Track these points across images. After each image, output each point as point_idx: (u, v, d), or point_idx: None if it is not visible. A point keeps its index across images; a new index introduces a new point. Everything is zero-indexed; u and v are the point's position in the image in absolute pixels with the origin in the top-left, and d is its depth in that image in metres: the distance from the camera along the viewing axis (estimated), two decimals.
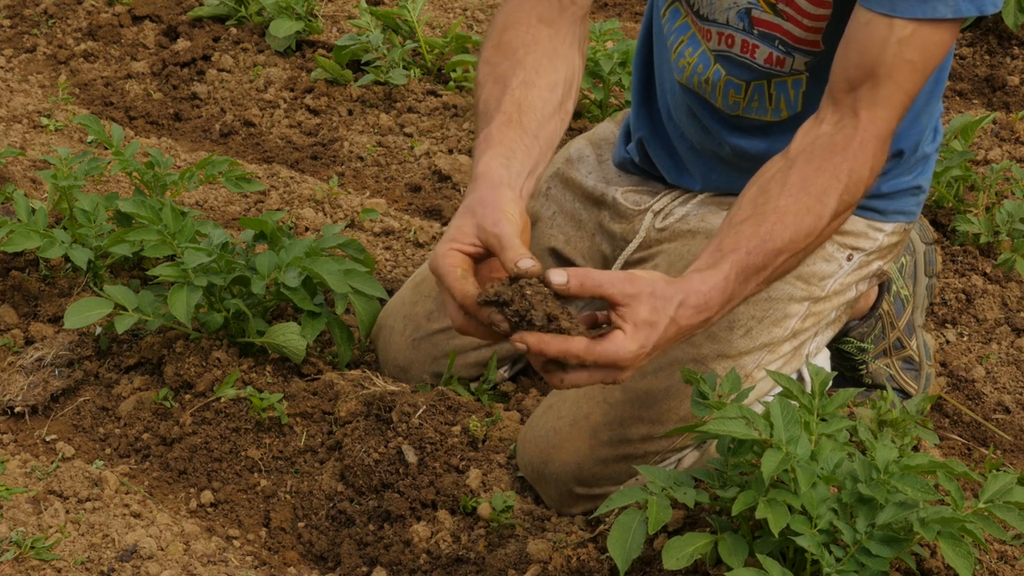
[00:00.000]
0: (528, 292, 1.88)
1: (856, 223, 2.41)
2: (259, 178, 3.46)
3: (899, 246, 2.50)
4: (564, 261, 2.60)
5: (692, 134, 2.46)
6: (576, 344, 1.87)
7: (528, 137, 2.13)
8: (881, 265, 2.48)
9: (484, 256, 1.99)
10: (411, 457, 2.43)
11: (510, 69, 2.19)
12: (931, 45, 2.04)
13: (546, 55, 2.20)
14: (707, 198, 2.48)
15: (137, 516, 2.37)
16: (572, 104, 2.24)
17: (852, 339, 2.65)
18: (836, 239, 2.40)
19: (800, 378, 2.44)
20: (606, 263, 2.57)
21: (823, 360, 2.51)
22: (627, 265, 2.51)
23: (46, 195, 3.21)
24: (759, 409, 2.32)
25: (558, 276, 1.87)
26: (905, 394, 2.72)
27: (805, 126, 2.09)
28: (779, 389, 2.18)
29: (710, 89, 2.35)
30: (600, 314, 1.96)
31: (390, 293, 2.76)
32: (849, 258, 2.41)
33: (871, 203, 2.41)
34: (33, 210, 2.85)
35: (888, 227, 2.44)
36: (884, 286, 2.64)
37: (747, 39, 2.28)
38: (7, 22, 4.31)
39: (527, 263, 1.88)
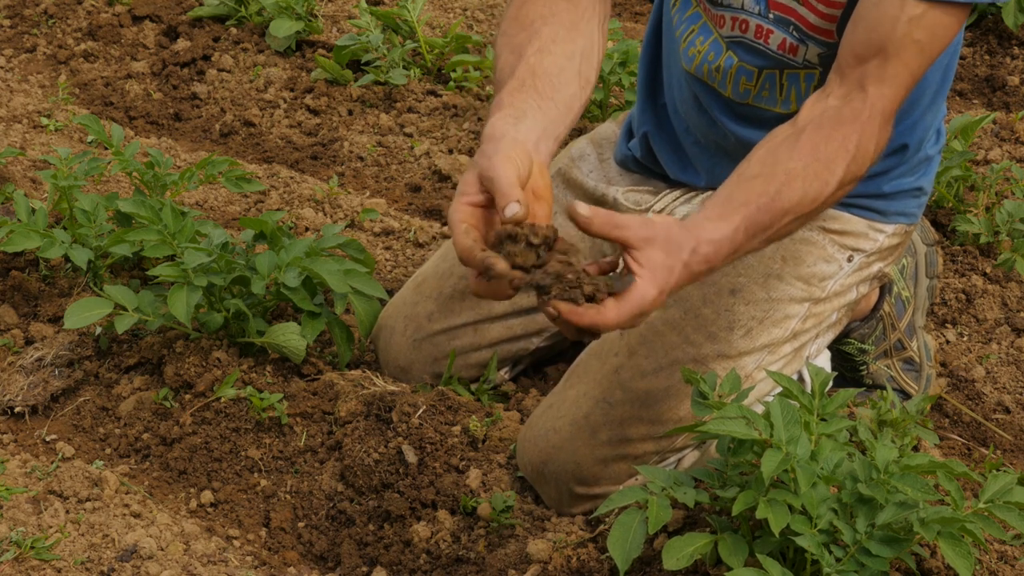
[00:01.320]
0: (526, 240, 1.88)
1: (857, 224, 2.41)
2: (259, 178, 3.46)
3: (900, 248, 2.49)
4: None
5: (698, 127, 2.45)
6: (608, 315, 1.87)
7: (543, 100, 2.12)
8: (882, 267, 2.47)
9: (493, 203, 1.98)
10: (411, 457, 2.43)
11: (526, 39, 2.18)
12: (939, 28, 2.08)
13: (564, 27, 2.20)
14: (709, 197, 2.48)
15: (137, 516, 2.37)
16: (593, 75, 2.22)
17: (853, 340, 2.65)
18: (836, 240, 2.40)
19: (800, 379, 2.44)
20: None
21: (824, 361, 2.51)
22: None
23: (46, 195, 3.21)
24: (759, 410, 2.32)
25: (584, 208, 1.87)
26: (905, 395, 2.72)
27: (811, 99, 2.11)
28: (779, 390, 2.18)
29: (720, 77, 2.35)
30: (604, 262, 1.95)
31: (390, 293, 2.76)
32: (849, 259, 2.41)
33: (872, 203, 2.41)
34: (33, 210, 2.85)
35: (889, 228, 2.44)
36: (885, 287, 2.64)
37: (761, 24, 2.27)
38: (7, 22, 4.31)
39: (511, 209, 1.88)
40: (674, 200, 2.53)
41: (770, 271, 2.36)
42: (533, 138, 2.06)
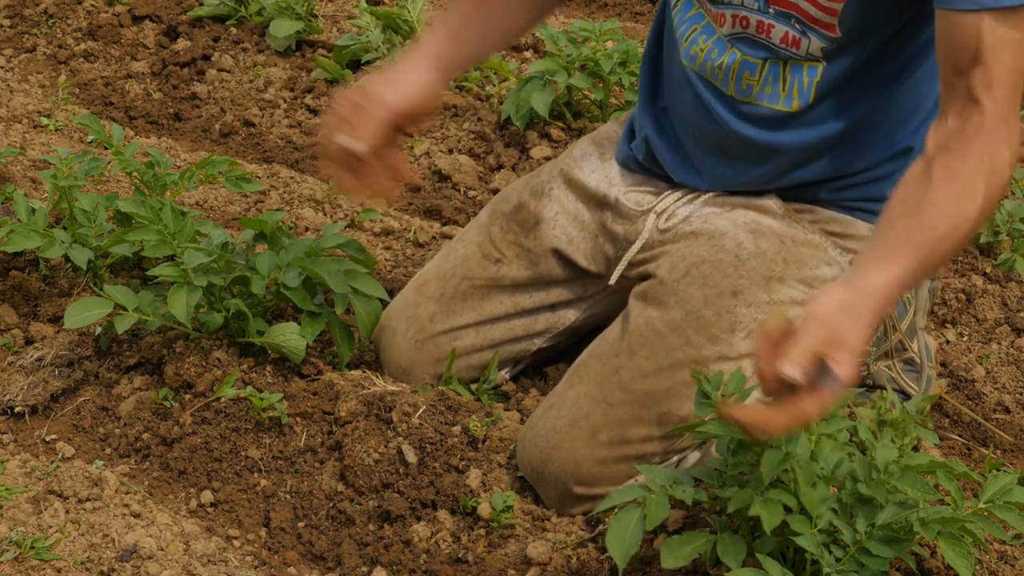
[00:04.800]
0: None
1: (860, 227, 2.41)
2: (259, 178, 3.46)
3: None
4: (566, 261, 2.60)
5: (698, 128, 2.44)
6: (809, 407, 1.90)
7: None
8: None
9: None
10: (411, 457, 2.43)
11: None
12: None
13: None
14: (711, 199, 2.48)
15: (137, 516, 2.37)
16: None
17: None
18: (839, 243, 2.40)
19: None
20: (609, 264, 2.56)
21: None
22: (630, 267, 2.50)
23: (46, 195, 3.21)
24: None
25: (793, 371, 1.88)
26: (906, 396, 2.72)
27: (932, 127, 2.12)
28: None
29: (722, 75, 2.35)
30: None
31: (390, 293, 2.76)
32: (851, 262, 2.41)
33: (875, 206, 2.41)
34: (33, 210, 2.85)
35: None
36: None
37: (762, 19, 2.27)
38: (7, 22, 4.31)
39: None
40: (676, 200, 2.52)
41: (771, 273, 2.36)
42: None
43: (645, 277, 2.45)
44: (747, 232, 2.38)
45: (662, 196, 2.54)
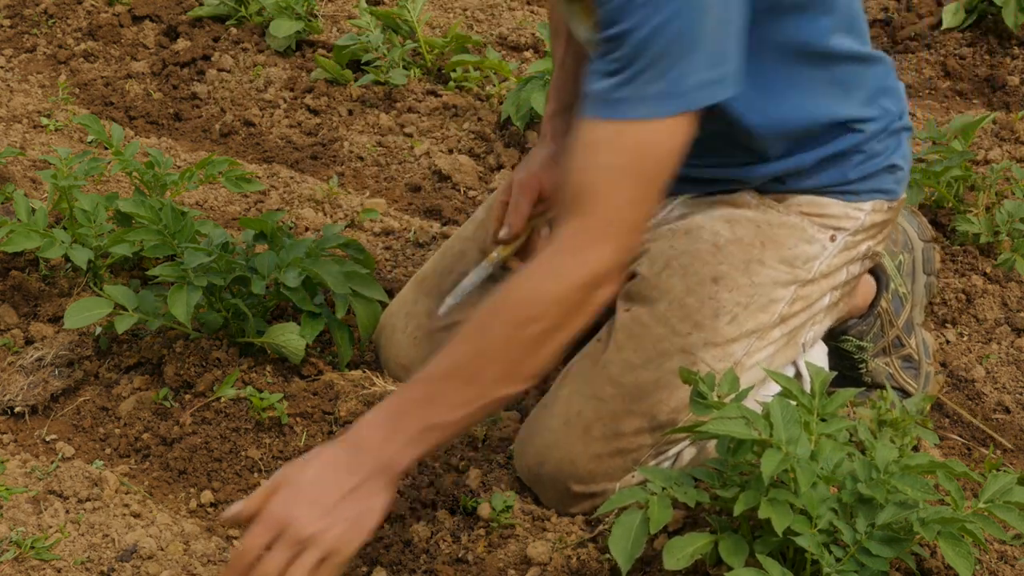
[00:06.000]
0: None
1: (833, 206, 2.40)
2: (259, 178, 3.46)
3: (887, 226, 2.47)
4: None
5: None
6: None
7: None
8: (871, 245, 2.46)
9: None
10: None
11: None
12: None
13: None
14: (688, 200, 2.47)
15: (137, 516, 2.37)
16: None
17: (851, 338, 2.65)
18: (816, 220, 2.40)
19: (799, 376, 2.43)
20: None
21: (821, 358, 2.51)
22: None
23: (46, 195, 3.21)
24: (755, 405, 2.32)
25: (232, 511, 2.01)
26: (905, 393, 2.72)
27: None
28: (771, 381, 2.19)
29: None
30: None
31: (390, 293, 2.76)
32: (832, 239, 2.40)
33: (844, 188, 2.41)
34: (33, 210, 2.85)
35: (866, 205, 2.42)
36: (882, 284, 2.64)
37: None
38: (7, 22, 4.31)
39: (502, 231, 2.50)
40: None
41: (750, 257, 2.36)
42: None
43: (630, 277, 2.46)
44: (723, 222, 2.39)
45: None
